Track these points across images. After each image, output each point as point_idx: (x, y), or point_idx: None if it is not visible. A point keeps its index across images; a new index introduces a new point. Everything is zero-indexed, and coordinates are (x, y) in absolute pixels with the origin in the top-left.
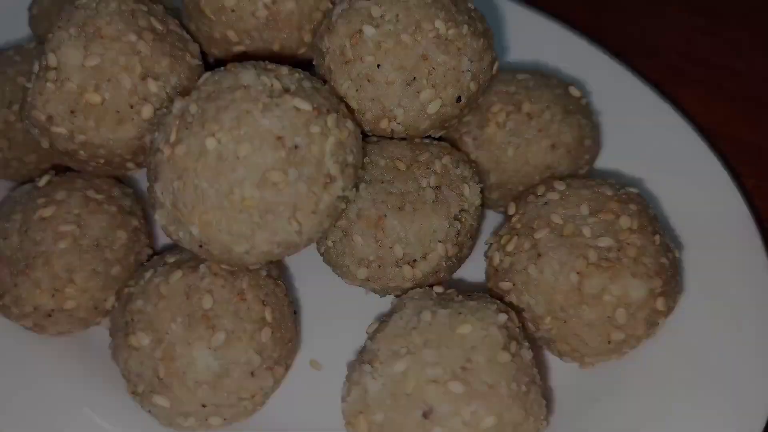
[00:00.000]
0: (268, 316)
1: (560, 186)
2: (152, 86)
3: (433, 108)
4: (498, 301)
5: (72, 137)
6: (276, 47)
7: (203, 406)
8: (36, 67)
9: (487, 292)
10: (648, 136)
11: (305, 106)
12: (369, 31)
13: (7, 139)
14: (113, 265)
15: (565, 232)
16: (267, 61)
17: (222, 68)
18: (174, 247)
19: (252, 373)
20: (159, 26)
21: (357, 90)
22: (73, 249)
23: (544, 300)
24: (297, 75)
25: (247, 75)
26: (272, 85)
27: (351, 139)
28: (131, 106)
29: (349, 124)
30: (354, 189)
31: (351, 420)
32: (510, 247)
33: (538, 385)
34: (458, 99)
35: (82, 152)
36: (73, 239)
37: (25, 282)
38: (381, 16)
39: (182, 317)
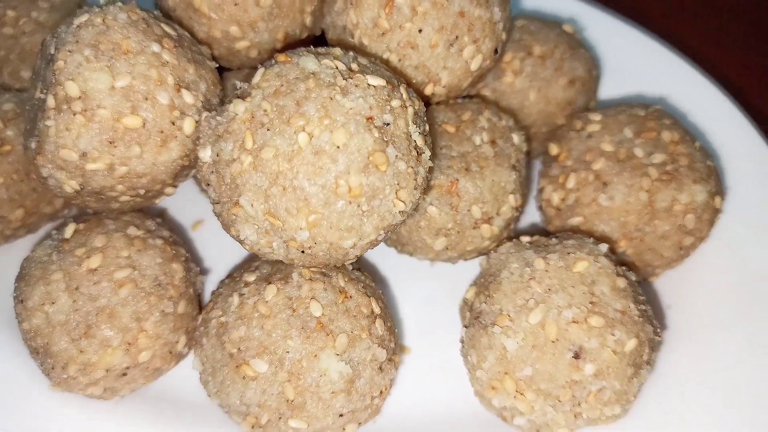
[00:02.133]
0: (375, 307)
1: (596, 117)
2: (188, 97)
3: (475, 64)
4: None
5: (111, 171)
6: (280, 36)
7: (341, 416)
8: (50, 102)
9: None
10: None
11: (379, 81)
12: None
13: None
14: (178, 302)
15: (621, 157)
16: (311, 46)
17: (272, 61)
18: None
19: (380, 368)
20: (172, 31)
21: (400, 60)
22: (137, 294)
23: (618, 224)
24: (350, 54)
25: (308, 62)
26: (337, 67)
27: (422, 108)
28: (173, 123)
29: (414, 93)
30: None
31: (494, 384)
32: (571, 184)
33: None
34: (495, 51)
35: (120, 187)
36: (133, 284)
37: (92, 344)
38: None
39: (297, 331)
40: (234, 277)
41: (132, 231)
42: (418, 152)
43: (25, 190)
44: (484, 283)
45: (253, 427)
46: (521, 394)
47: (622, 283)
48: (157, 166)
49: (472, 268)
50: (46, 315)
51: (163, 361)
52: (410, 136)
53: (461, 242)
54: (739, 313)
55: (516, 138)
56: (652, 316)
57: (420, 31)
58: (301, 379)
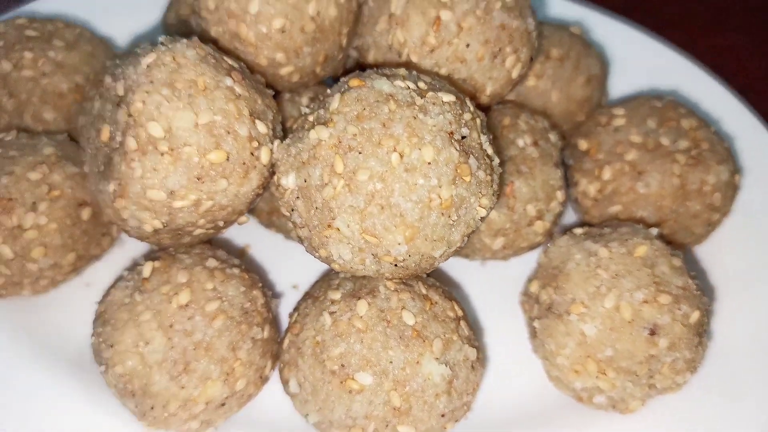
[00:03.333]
0: (458, 310)
1: (620, 111)
2: (261, 127)
3: (516, 72)
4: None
5: (197, 207)
6: (321, 59)
7: (442, 416)
8: (131, 144)
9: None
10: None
11: (450, 97)
12: (446, 15)
13: (44, 245)
14: (264, 327)
15: (650, 147)
16: (377, 69)
17: (344, 86)
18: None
19: (472, 367)
20: (235, 63)
21: (449, 74)
22: (229, 324)
23: (654, 209)
24: (414, 73)
25: (383, 84)
26: (409, 87)
27: (484, 117)
28: (252, 154)
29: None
30: None
31: (576, 368)
32: (606, 176)
33: None
34: (531, 58)
35: (201, 221)
36: (225, 315)
37: (193, 379)
38: None
39: (395, 341)
40: (315, 297)
41: (211, 263)
42: (489, 160)
43: (77, 233)
44: (548, 276)
45: None
46: (603, 374)
47: (677, 261)
48: (239, 198)
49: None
50: (141, 356)
51: (255, 387)
52: (482, 145)
53: (517, 240)
54: (759, 276)
55: (552, 137)
56: (703, 288)
57: (468, 45)
58: (407, 386)
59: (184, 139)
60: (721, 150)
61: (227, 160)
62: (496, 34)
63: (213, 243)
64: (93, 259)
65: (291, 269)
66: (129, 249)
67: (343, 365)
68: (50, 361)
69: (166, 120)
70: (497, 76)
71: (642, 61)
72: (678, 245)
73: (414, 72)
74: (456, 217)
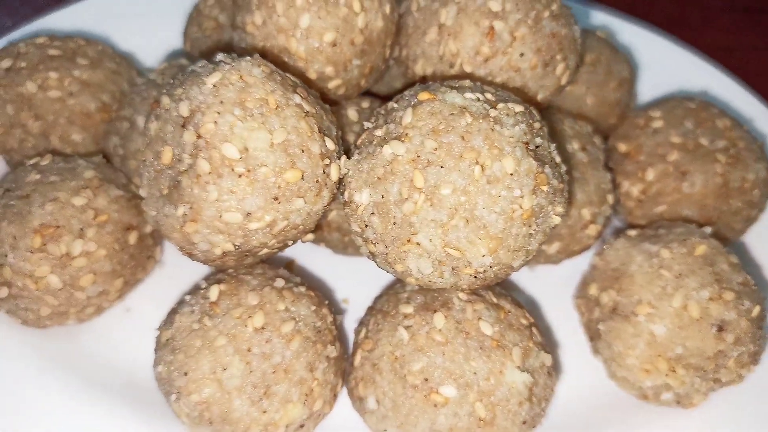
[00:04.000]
0: (528, 316)
1: (656, 113)
2: (330, 144)
3: (564, 79)
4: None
5: (272, 227)
6: (367, 71)
7: (524, 423)
8: (203, 167)
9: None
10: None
11: (520, 108)
12: (499, 25)
13: (93, 273)
14: (334, 345)
15: (690, 147)
16: (444, 81)
17: (413, 100)
18: None
19: (549, 372)
20: (296, 80)
21: (504, 83)
22: (306, 345)
23: (698, 207)
24: (478, 84)
25: (455, 97)
26: (479, 99)
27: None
28: (323, 171)
29: None
30: None
31: (646, 367)
32: (650, 177)
33: None
34: (577, 65)
35: (273, 241)
36: (300, 335)
37: (274, 403)
38: (502, 9)
39: (476, 352)
40: (385, 312)
41: (279, 283)
42: (559, 168)
43: (125, 258)
44: (608, 279)
45: None
46: (673, 371)
47: (734, 258)
48: (311, 216)
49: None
50: (218, 382)
51: (330, 407)
52: (551, 154)
53: (571, 244)
54: None
55: (597, 141)
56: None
57: (521, 54)
58: (492, 396)
59: (260, 160)
60: (756, 148)
61: (302, 179)
62: (547, 42)
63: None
64: (137, 283)
65: (337, 284)
66: (168, 272)
67: (426, 379)
68: (98, 390)
69: (241, 140)
70: (548, 83)
71: (661, 62)
72: (720, 242)
73: (478, 83)
74: (535, 227)
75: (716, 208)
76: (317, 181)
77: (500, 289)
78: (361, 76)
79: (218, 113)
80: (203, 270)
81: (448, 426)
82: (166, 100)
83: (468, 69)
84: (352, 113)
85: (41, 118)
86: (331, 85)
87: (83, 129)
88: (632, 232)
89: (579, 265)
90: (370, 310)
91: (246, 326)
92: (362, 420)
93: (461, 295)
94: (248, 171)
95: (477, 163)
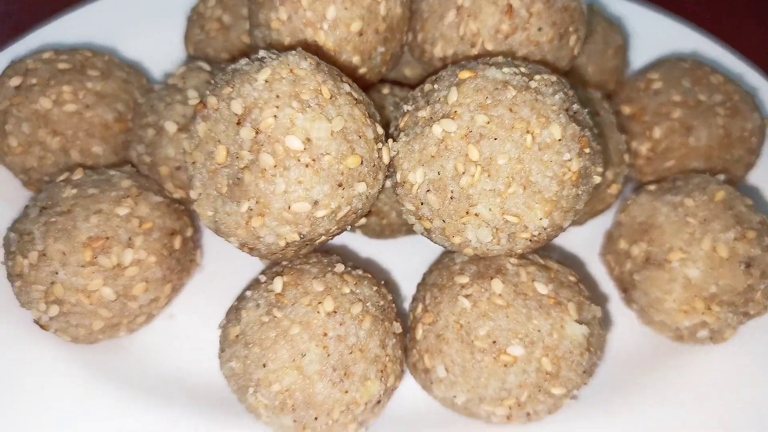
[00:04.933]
0: (575, 274)
1: (654, 75)
2: (379, 128)
3: (576, 50)
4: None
5: (336, 213)
6: (388, 57)
7: (584, 372)
8: (267, 161)
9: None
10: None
11: (553, 77)
12: (516, 2)
13: (145, 281)
14: (398, 321)
15: (691, 104)
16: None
17: (454, 79)
18: None
19: (600, 323)
20: (335, 69)
21: (525, 57)
22: (376, 324)
23: (704, 159)
24: (509, 59)
25: (495, 73)
26: (515, 72)
27: None
28: (377, 155)
29: None
30: None
31: (684, 308)
32: (657, 135)
33: None
34: (585, 36)
35: (334, 228)
36: (370, 315)
37: (354, 382)
38: None
39: (537, 311)
40: (441, 285)
41: (339, 268)
42: (593, 131)
43: (172, 264)
44: (636, 232)
45: (511, 408)
46: (709, 309)
47: (748, 201)
48: (369, 200)
49: None
50: (299, 370)
51: (399, 380)
52: (586, 118)
53: (596, 204)
54: None
55: (606, 105)
56: None
57: (539, 29)
58: (557, 350)
59: (324, 149)
60: (749, 99)
61: (361, 164)
62: (561, 16)
63: None
64: (182, 288)
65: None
66: (202, 277)
67: (494, 342)
68: (153, 400)
69: (304, 132)
70: (564, 54)
71: (647, 30)
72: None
73: (509, 59)
74: (582, 188)
75: (720, 158)
76: (374, 165)
77: (543, 252)
78: (383, 63)
79: (277, 107)
80: (236, 272)
81: (517, 383)
82: (213, 100)
83: (489, 47)
84: (376, 98)
85: (60, 134)
86: (359, 73)
87: (103, 141)
88: (651, 187)
89: (592, 226)
90: (423, 286)
91: (318, 312)
92: (426, 392)
93: (512, 260)
94: (313, 160)
95: (527, 132)
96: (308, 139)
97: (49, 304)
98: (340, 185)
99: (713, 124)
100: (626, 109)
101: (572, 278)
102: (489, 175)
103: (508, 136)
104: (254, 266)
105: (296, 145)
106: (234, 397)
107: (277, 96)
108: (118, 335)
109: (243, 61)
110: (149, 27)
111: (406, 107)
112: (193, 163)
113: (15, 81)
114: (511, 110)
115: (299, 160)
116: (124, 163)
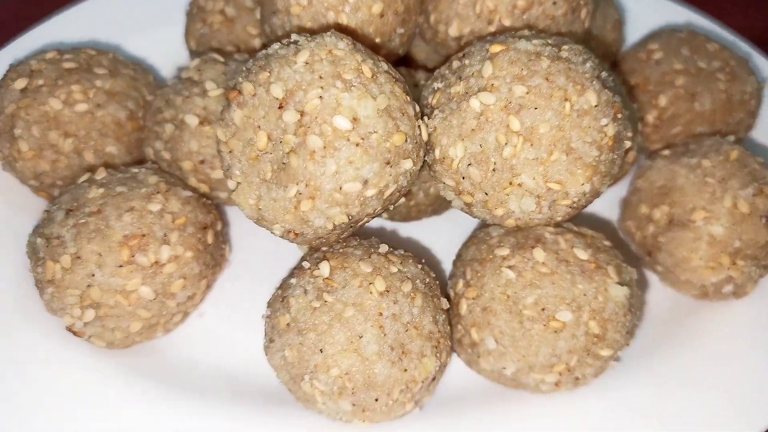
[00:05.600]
0: (608, 239)
1: (654, 46)
2: (416, 106)
3: (587, 22)
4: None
5: (384, 192)
6: (405, 39)
7: (627, 333)
8: (315, 143)
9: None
10: None
11: (579, 46)
12: None
13: (183, 277)
14: (443, 298)
15: (692, 72)
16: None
17: (486, 53)
18: None
19: (637, 284)
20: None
21: (541, 31)
22: (426, 300)
23: (709, 123)
24: (533, 32)
25: (527, 45)
26: (544, 43)
27: None
28: (417, 132)
29: None
30: None
31: (711, 265)
32: (663, 103)
33: None
34: (594, 9)
35: (379, 208)
36: (420, 293)
37: (412, 360)
38: None
39: (580, 277)
40: (481, 259)
41: (383, 249)
42: (621, 97)
43: (207, 259)
44: (656, 196)
45: (561, 373)
46: (734, 264)
47: (759, 159)
48: (412, 177)
49: None
50: (356, 352)
51: (449, 357)
52: (615, 85)
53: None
54: None
55: (612, 75)
56: None
57: (554, 3)
58: (603, 312)
59: (371, 127)
60: (744, 63)
61: (406, 141)
62: None
63: None
64: (214, 284)
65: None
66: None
67: (543, 309)
68: (192, 399)
69: (350, 111)
70: (576, 28)
71: (634, 6)
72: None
73: (533, 32)
74: (617, 152)
75: (723, 121)
76: (416, 142)
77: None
78: (400, 45)
79: (321, 88)
80: (260, 266)
81: (567, 348)
82: (249, 87)
83: (507, 22)
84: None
85: (72, 135)
86: (381, 54)
87: (117, 140)
88: (666, 152)
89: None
90: (460, 262)
91: (371, 293)
92: (471, 366)
93: (549, 229)
94: (362, 139)
95: (565, 99)
96: (355, 119)
97: (85, 308)
98: (387, 163)
99: (715, 89)
100: (630, 81)
101: (607, 243)
102: (531, 144)
103: (548, 104)
104: (279, 260)
105: (345, 125)
106: (275, 390)
107: (320, 77)
108: (155, 336)
109: (275, 45)
110: (144, 25)
111: (435, 85)
112: (230, 151)
113: (20, 83)
114: (547, 79)
115: (349, 140)
116: (139, 162)
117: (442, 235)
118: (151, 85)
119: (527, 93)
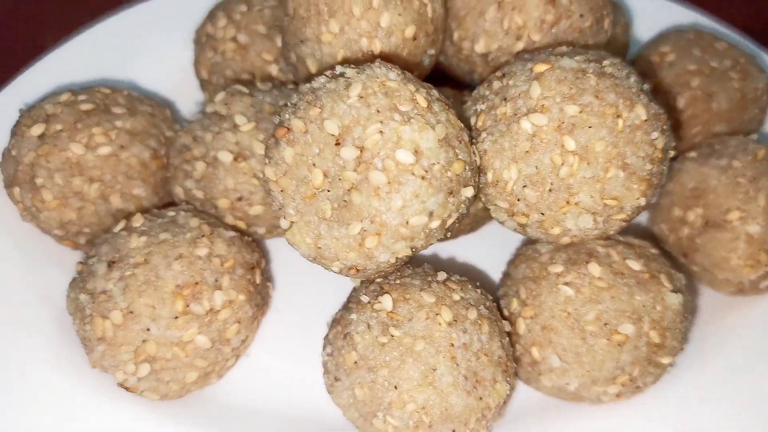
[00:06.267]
0: (654, 247)
1: (666, 48)
2: (469, 132)
3: (610, 31)
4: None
5: (447, 221)
6: (434, 59)
7: (683, 338)
8: (378, 179)
9: None
10: None
11: (618, 59)
12: None
13: (238, 322)
14: (503, 321)
15: (706, 72)
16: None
17: (531, 74)
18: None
19: (687, 289)
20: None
21: (569, 45)
22: (492, 325)
23: (726, 121)
24: (570, 48)
25: (570, 62)
26: (587, 60)
27: None
28: (473, 156)
29: None
30: None
31: (750, 263)
32: (681, 104)
33: None
34: (614, 18)
35: (432, 240)
36: (485, 318)
37: (486, 388)
38: None
39: (637, 288)
40: (535, 277)
41: (440, 277)
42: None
43: (258, 299)
44: (688, 198)
45: (623, 384)
46: None
47: None
48: (471, 203)
49: None
50: (431, 385)
51: (516, 379)
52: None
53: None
54: None
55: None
56: None
57: (581, 15)
58: (662, 321)
59: (433, 158)
60: (754, 61)
61: (465, 169)
62: (596, 1)
63: None
64: (260, 324)
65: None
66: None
67: (605, 324)
68: None
69: (412, 143)
70: (600, 38)
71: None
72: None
73: (570, 47)
74: (666, 163)
75: (738, 119)
76: (473, 168)
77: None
78: (430, 65)
79: (381, 122)
80: (298, 301)
81: (630, 360)
82: (299, 124)
83: (536, 38)
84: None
85: (97, 180)
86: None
87: (143, 181)
88: (692, 154)
89: None
90: (511, 281)
91: (439, 324)
92: (530, 384)
93: (600, 242)
94: (426, 172)
95: (617, 116)
96: (417, 151)
97: (139, 363)
98: (450, 193)
99: (730, 88)
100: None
101: (654, 251)
102: (588, 163)
103: (602, 122)
104: (317, 295)
105: (408, 159)
106: (334, 425)
107: (378, 111)
108: (209, 383)
109: (321, 79)
110: (147, 57)
111: (478, 107)
112: (282, 191)
113: (37, 129)
114: (597, 97)
115: (413, 174)
116: (168, 203)
117: (479, 252)
118: (168, 120)
119: (580, 112)
